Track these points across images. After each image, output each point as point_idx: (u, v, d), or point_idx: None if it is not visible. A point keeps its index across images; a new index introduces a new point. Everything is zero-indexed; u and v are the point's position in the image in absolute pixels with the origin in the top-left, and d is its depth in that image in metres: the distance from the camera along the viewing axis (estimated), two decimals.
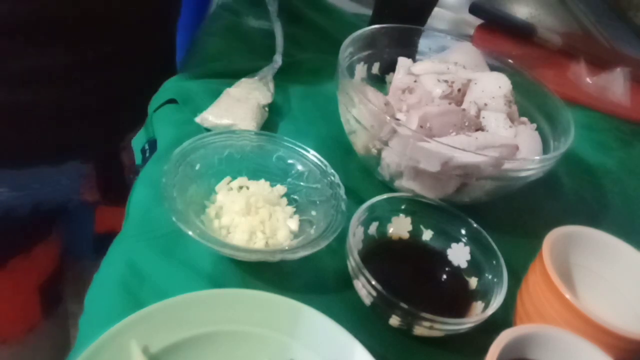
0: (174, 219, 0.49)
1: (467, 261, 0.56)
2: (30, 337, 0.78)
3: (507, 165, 0.57)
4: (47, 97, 0.63)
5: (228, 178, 0.58)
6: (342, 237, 0.52)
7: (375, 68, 0.71)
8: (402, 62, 0.70)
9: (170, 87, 0.71)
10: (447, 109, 0.63)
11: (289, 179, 0.59)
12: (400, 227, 0.58)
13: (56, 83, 0.63)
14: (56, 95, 0.64)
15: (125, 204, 0.58)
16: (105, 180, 0.73)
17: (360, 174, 0.64)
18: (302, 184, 0.59)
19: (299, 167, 0.59)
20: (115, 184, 0.74)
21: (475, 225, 0.56)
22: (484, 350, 0.40)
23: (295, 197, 0.59)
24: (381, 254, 0.55)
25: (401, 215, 0.58)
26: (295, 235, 0.55)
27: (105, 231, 0.76)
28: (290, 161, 0.60)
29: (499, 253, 0.53)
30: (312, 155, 0.59)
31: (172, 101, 0.69)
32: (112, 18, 0.64)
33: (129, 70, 0.69)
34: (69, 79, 0.64)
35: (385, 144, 0.58)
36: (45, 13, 0.58)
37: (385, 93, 0.68)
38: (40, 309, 0.79)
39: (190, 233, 0.48)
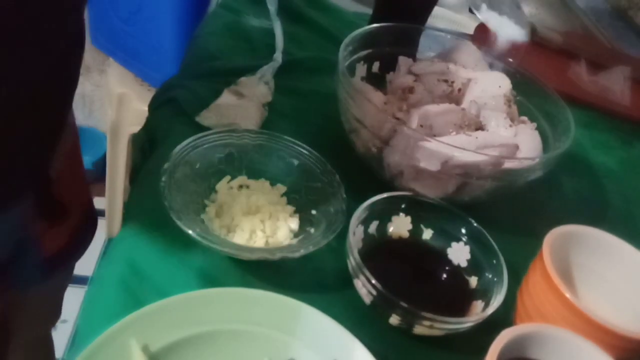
0: (174, 218, 0.49)
1: (467, 260, 0.56)
2: None
3: (507, 164, 0.57)
4: None
5: (228, 177, 0.58)
6: (342, 236, 0.52)
7: (376, 67, 0.71)
8: (403, 61, 0.70)
9: (170, 85, 0.71)
10: (447, 108, 0.63)
11: (289, 178, 0.59)
12: (400, 226, 0.58)
13: None
14: None
15: (66, 222, 0.56)
16: (47, 206, 0.67)
17: (360, 173, 0.64)
18: (302, 182, 0.59)
19: (299, 166, 0.59)
20: (58, 208, 0.68)
21: (475, 224, 0.56)
22: (484, 349, 0.40)
23: (296, 196, 0.59)
24: (381, 253, 0.55)
25: (401, 214, 0.58)
26: (296, 234, 0.55)
27: (56, 252, 0.70)
28: (290, 160, 0.60)
29: (499, 252, 0.53)
30: (312, 154, 0.59)
31: (172, 100, 0.68)
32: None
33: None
34: None
35: (386, 143, 0.58)
36: None
37: (386, 92, 0.68)
38: None
39: (190, 232, 0.48)
